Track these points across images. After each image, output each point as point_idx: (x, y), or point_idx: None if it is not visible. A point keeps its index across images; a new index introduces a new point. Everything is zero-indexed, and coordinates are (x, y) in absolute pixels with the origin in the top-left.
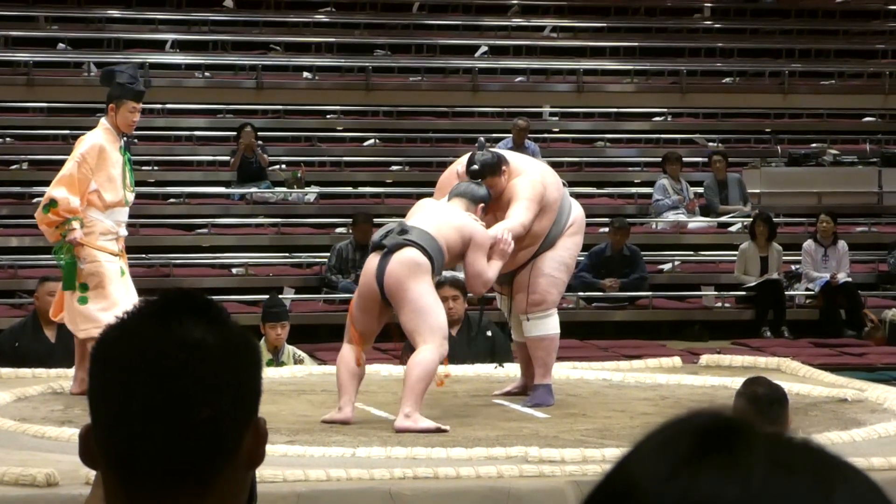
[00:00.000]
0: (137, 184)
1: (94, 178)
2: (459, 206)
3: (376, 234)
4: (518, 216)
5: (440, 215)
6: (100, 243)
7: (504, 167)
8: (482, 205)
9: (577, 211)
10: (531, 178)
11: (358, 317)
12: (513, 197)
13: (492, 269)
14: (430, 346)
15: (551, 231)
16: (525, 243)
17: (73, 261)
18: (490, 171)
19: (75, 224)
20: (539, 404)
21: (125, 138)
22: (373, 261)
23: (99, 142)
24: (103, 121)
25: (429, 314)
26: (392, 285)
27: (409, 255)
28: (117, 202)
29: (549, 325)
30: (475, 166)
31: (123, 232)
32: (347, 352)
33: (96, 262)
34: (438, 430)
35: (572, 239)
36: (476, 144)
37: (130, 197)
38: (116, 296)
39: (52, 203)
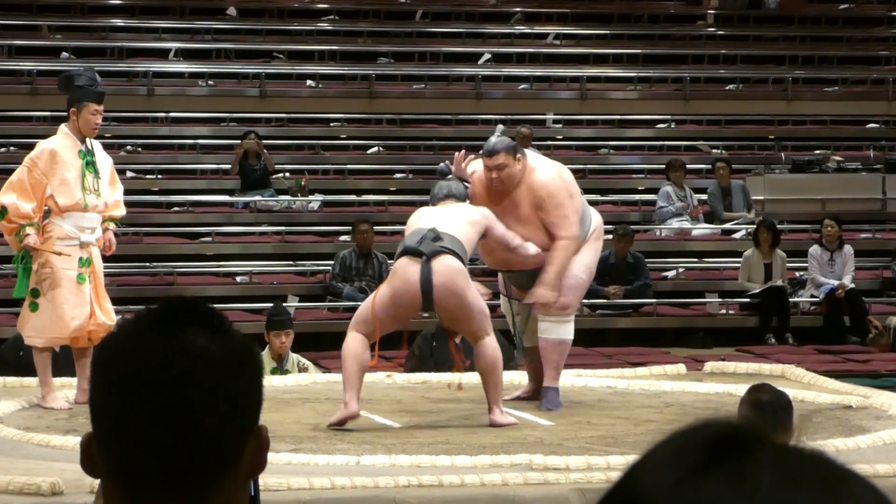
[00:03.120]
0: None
1: (48, 182)
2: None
3: (409, 239)
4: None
5: (451, 217)
6: (58, 248)
7: (518, 155)
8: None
9: (597, 217)
10: (555, 183)
11: (383, 319)
12: (543, 205)
13: (522, 241)
14: (491, 337)
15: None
16: (544, 242)
17: (29, 267)
18: (504, 148)
19: (30, 230)
20: (553, 406)
21: (87, 143)
22: (412, 267)
23: (50, 146)
24: (62, 126)
25: (486, 314)
26: (448, 296)
27: (454, 263)
28: (73, 206)
29: (568, 329)
30: (492, 143)
31: (87, 238)
32: (354, 342)
33: (49, 267)
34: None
35: (595, 244)
36: (497, 128)
37: (94, 200)
38: (65, 306)
39: (3, 210)
